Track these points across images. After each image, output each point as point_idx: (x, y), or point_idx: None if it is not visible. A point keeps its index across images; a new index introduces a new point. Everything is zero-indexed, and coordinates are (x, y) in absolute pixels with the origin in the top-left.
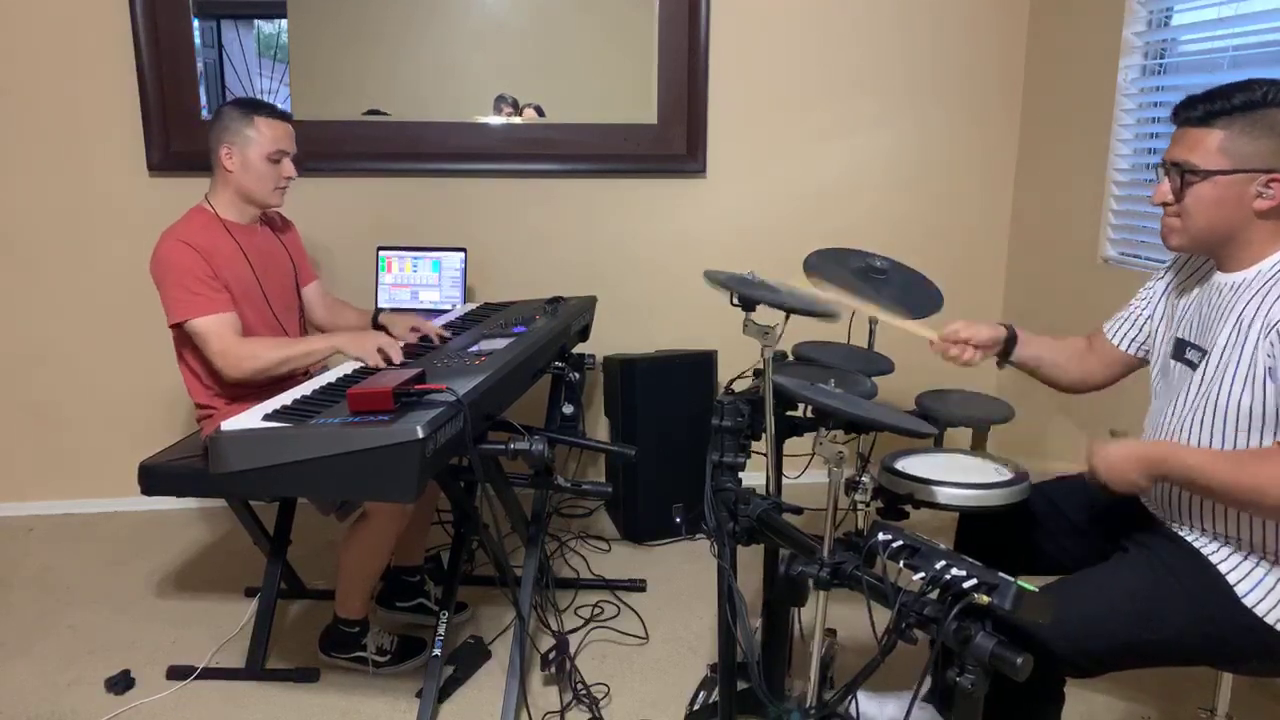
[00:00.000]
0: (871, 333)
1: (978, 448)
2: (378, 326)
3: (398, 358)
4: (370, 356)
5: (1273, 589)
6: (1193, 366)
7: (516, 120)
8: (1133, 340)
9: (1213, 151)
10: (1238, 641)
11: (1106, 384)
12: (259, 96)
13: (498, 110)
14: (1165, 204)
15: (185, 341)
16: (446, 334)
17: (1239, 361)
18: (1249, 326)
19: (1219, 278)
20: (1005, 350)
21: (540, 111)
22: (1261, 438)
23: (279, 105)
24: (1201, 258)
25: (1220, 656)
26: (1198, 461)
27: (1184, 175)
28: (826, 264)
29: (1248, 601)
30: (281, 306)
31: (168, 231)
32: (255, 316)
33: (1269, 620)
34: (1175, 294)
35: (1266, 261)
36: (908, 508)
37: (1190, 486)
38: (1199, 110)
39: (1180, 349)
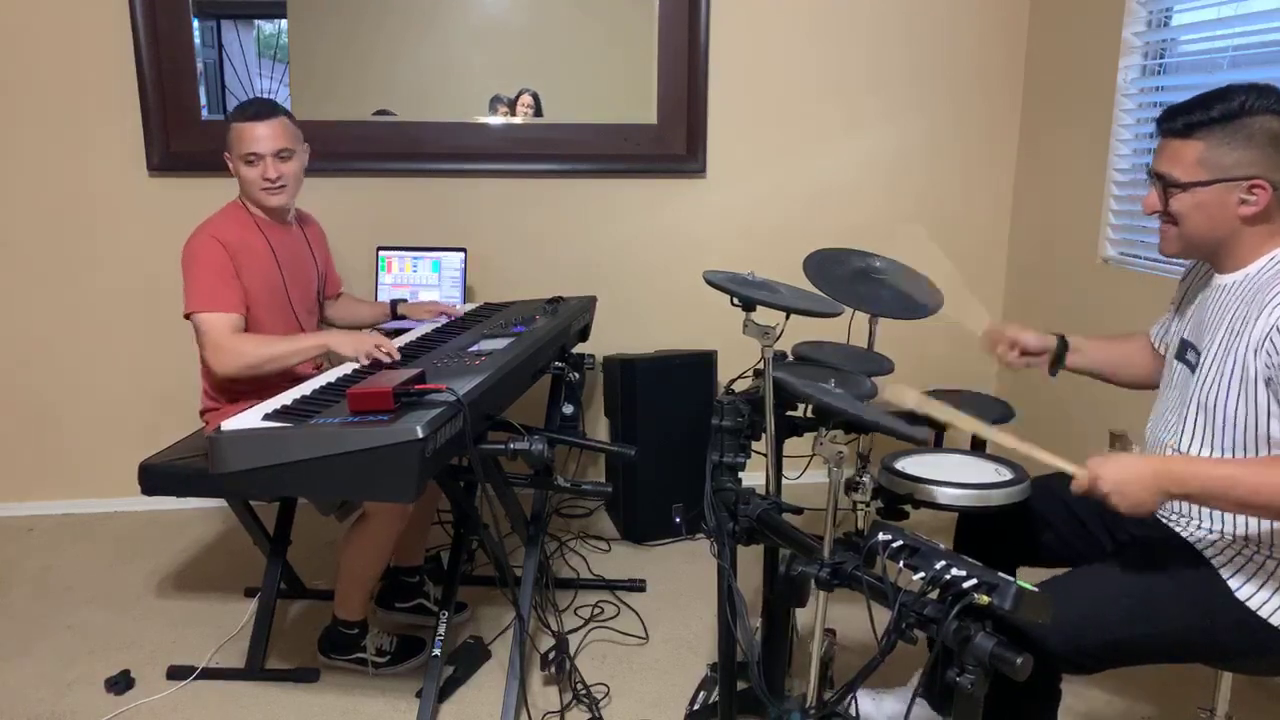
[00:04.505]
0: (871, 333)
1: (978, 448)
2: (398, 316)
3: (393, 356)
4: (363, 357)
5: (1267, 585)
6: (1191, 368)
7: (515, 120)
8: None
9: (1192, 164)
10: (1234, 638)
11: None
12: (262, 95)
13: (493, 110)
14: (1155, 212)
15: None
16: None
17: (1232, 368)
18: (1239, 331)
19: (1216, 279)
20: (1056, 358)
21: (536, 98)
22: (1259, 447)
23: (268, 102)
24: None
25: (1217, 653)
26: (1225, 472)
27: (1166, 187)
28: (826, 264)
29: (1241, 595)
30: (304, 309)
31: (202, 225)
32: (278, 315)
33: (1263, 614)
34: (1190, 293)
35: (1254, 265)
36: (908, 508)
37: (1210, 499)
38: (1179, 122)
39: (1182, 350)
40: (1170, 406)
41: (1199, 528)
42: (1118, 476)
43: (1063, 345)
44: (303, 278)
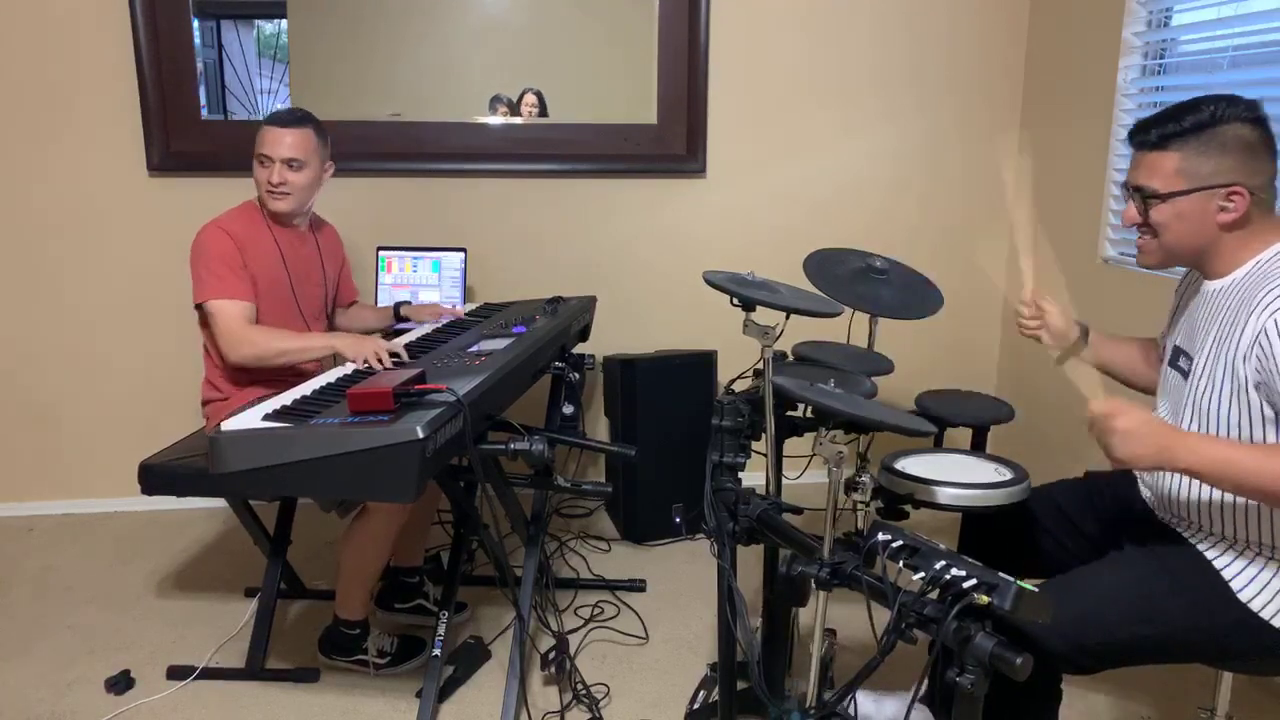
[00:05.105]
0: (871, 333)
1: (978, 448)
2: (401, 319)
3: (386, 365)
4: (359, 360)
5: (1269, 585)
6: (1184, 374)
7: (515, 120)
8: None
9: (1170, 174)
10: (1234, 638)
11: None
12: (278, 105)
13: (494, 110)
14: (1134, 225)
15: (206, 324)
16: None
17: (1224, 373)
18: (1228, 336)
19: (1205, 285)
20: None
21: (540, 97)
22: None
23: (299, 114)
24: None
25: (1217, 653)
26: (1226, 453)
27: (1145, 199)
28: (826, 264)
29: (1243, 597)
30: (310, 312)
31: (212, 220)
32: (283, 314)
33: (1265, 616)
34: (1183, 300)
35: (1240, 270)
36: (908, 508)
37: (1208, 477)
38: (1152, 134)
39: (1175, 356)
40: (1166, 412)
41: (1200, 530)
42: (1130, 425)
43: (1084, 335)
44: (310, 282)
